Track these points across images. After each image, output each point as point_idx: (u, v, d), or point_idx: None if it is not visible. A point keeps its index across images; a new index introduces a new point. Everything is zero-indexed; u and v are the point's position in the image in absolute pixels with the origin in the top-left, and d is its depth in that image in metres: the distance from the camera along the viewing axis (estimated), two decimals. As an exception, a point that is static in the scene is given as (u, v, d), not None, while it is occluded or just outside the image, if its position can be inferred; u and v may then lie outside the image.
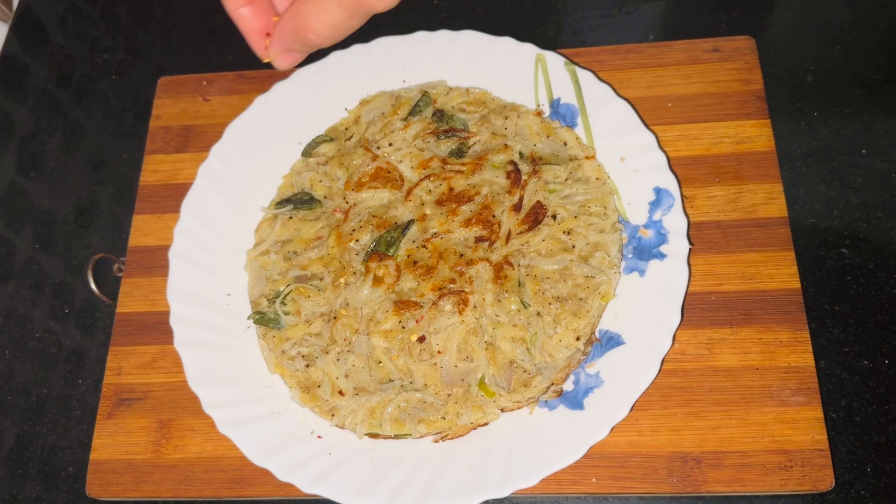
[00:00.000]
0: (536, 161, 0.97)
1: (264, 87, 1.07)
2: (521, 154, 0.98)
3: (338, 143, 1.04)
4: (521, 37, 1.04)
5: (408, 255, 0.93)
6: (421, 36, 1.06)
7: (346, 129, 1.06)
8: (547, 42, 1.05)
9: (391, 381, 0.89)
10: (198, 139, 1.12)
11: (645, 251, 0.91)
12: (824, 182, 1.02)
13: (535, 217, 0.93)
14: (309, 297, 0.94)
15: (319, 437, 0.89)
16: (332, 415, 0.89)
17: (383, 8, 0.49)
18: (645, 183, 0.94)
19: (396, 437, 0.87)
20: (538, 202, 0.94)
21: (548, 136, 0.99)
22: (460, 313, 0.88)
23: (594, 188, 0.95)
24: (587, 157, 0.98)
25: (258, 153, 1.05)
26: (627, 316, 0.89)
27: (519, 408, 0.87)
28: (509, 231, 0.93)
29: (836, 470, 0.85)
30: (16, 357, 1.05)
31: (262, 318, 0.94)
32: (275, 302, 0.94)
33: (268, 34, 0.58)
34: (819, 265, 0.97)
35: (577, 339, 0.88)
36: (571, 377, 0.87)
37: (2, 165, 1.18)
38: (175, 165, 1.11)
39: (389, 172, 0.99)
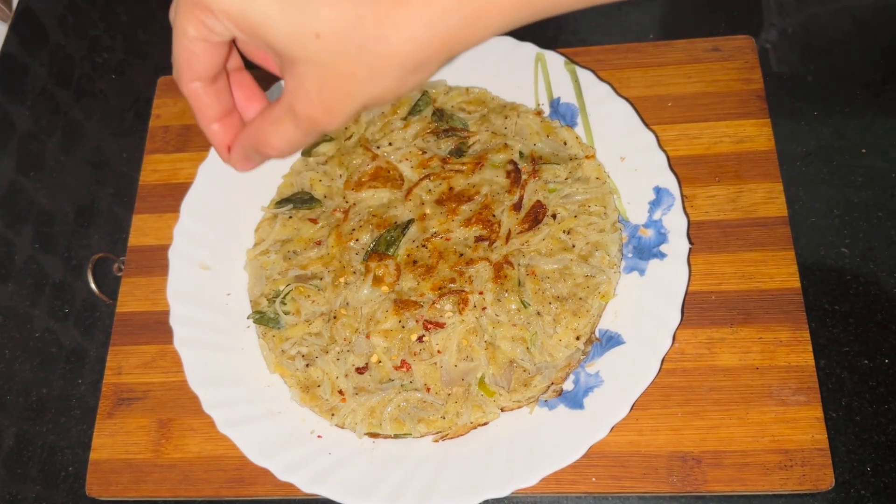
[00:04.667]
0: (536, 160, 0.97)
1: (264, 86, 1.06)
2: (521, 153, 0.98)
3: (337, 142, 1.04)
4: (520, 36, 1.03)
5: (408, 255, 0.93)
6: (421, 35, 1.06)
7: (346, 128, 1.06)
8: (547, 41, 1.05)
9: (391, 380, 0.89)
10: (198, 139, 1.12)
11: (645, 250, 0.91)
12: (824, 182, 1.02)
13: (535, 216, 0.93)
14: (309, 296, 0.94)
15: (319, 436, 0.89)
16: (332, 414, 0.89)
17: (333, 129, 0.54)
18: (645, 182, 0.94)
19: (396, 436, 0.87)
20: (538, 202, 0.94)
21: (548, 136, 0.99)
22: (460, 313, 0.88)
23: (594, 187, 0.95)
24: (587, 157, 0.98)
25: (258, 153, 1.05)
26: (627, 315, 0.89)
27: (519, 407, 0.87)
28: (509, 230, 0.93)
29: (836, 469, 0.85)
30: (16, 357, 1.05)
31: (262, 318, 0.94)
32: (275, 301, 0.94)
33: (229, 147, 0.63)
34: (819, 265, 0.97)
35: (577, 338, 0.88)
36: (571, 377, 0.87)
37: (2, 165, 1.18)
38: (175, 165, 1.11)
39: (389, 172, 0.99)
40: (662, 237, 0.91)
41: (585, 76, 1.01)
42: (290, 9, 0.48)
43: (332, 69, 0.50)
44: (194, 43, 0.53)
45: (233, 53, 0.61)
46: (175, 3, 0.53)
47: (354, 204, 0.99)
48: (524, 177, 0.96)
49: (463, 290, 0.89)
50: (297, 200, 1.01)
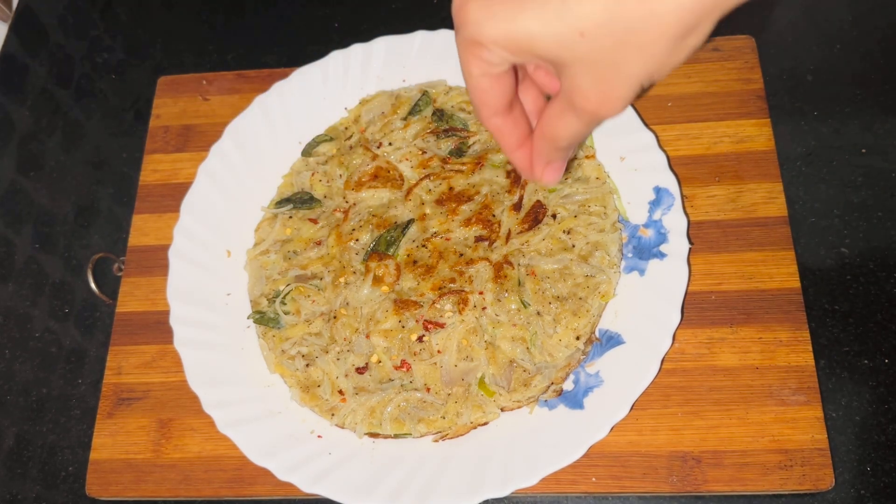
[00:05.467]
0: (536, 160, 0.97)
1: (264, 86, 1.07)
2: (520, 153, 0.97)
3: (338, 142, 1.04)
4: (520, 36, 1.03)
5: (408, 255, 0.93)
6: (421, 36, 1.06)
7: (346, 128, 1.06)
8: (547, 42, 1.05)
9: (391, 380, 0.89)
10: (198, 139, 1.12)
11: (645, 250, 0.91)
12: (824, 181, 1.02)
13: (535, 216, 0.93)
14: (309, 296, 0.94)
15: (319, 436, 0.89)
16: (332, 414, 0.89)
17: (616, 114, 0.55)
18: (645, 182, 0.94)
19: (396, 436, 0.87)
20: (538, 201, 0.94)
21: (548, 136, 0.99)
22: (460, 313, 0.88)
23: (594, 187, 0.95)
24: (587, 157, 0.98)
25: (258, 153, 1.05)
26: (627, 315, 0.89)
27: (519, 407, 0.87)
28: (509, 230, 0.93)
29: (836, 469, 0.85)
30: (16, 357, 1.05)
31: (262, 318, 0.94)
32: (275, 301, 0.94)
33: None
34: (819, 265, 0.97)
35: (577, 338, 0.88)
36: (571, 377, 0.87)
37: (2, 165, 1.18)
38: (175, 165, 1.11)
39: (389, 172, 0.99)
40: (662, 237, 0.91)
41: (585, 76, 1.00)
42: (551, 17, 0.49)
43: (601, 62, 0.50)
44: (480, 80, 0.55)
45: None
46: (458, 49, 0.55)
47: (354, 204, 0.99)
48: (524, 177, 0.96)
49: (463, 290, 0.89)
50: (297, 200, 1.01)
